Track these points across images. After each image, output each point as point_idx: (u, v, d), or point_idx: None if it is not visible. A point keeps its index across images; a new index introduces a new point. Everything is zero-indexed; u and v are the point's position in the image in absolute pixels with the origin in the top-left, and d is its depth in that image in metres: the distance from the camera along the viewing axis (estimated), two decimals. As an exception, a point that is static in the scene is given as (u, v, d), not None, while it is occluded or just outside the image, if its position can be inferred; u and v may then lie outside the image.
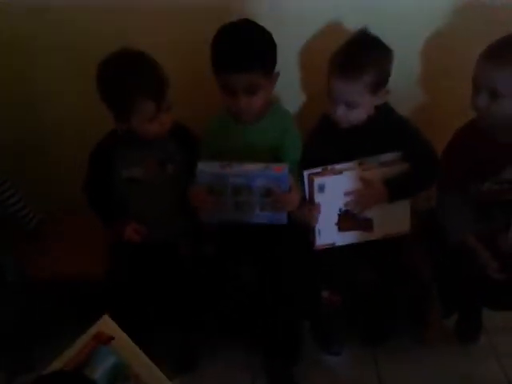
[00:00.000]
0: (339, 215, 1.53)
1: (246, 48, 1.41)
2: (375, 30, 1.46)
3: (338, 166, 1.49)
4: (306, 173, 1.48)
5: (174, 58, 1.57)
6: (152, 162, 1.56)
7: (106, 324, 1.16)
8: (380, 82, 1.44)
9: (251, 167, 1.41)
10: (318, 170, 1.48)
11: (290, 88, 1.71)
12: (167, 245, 1.61)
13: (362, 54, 1.42)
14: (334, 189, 1.48)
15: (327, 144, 1.51)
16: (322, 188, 1.47)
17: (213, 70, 1.46)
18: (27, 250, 1.73)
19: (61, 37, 1.67)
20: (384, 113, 1.52)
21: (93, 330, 1.15)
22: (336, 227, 1.54)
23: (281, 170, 1.39)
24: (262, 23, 1.46)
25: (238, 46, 1.41)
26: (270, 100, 1.55)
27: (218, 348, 1.74)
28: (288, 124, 1.58)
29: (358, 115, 1.47)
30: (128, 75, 1.41)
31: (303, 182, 1.49)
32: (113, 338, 1.14)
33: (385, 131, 1.50)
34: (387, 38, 1.46)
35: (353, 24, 1.53)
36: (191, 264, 1.56)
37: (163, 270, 1.58)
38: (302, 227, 1.54)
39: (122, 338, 1.15)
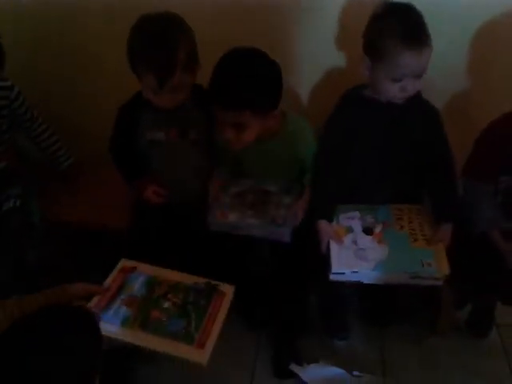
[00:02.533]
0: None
1: (238, 88, 1.33)
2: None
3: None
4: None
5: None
6: (174, 128, 1.56)
7: (126, 262, 1.42)
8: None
9: (256, 223, 1.47)
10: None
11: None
12: (188, 207, 1.61)
13: (418, 20, 1.32)
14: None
15: (355, 120, 1.45)
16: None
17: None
18: (56, 192, 1.81)
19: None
20: (418, 97, 1.44)
21: (117, 269, 1.39)
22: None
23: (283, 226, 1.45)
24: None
25: (229, 82, 1.34)
26: (277, 124, 1.48)
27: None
28: (302, 138, 1.51)
29: (418, 85, 1.36)
30: (142, 44, 1.39)
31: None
32: (135, 267, 1.40)
33: (414, 113, 1.43)
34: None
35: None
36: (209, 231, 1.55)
37: (182, 233, 1.61)
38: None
39: (142, 264, 1.40)
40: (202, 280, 1.37)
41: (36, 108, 1.78)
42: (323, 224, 1.45)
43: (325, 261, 1.43)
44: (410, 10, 1.34)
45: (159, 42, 1.37)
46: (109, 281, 1.35)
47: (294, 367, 1.62)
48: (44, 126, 1.80)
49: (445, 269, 1.37)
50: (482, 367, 1.66)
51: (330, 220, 1.48)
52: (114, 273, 1.38)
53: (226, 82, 1.34)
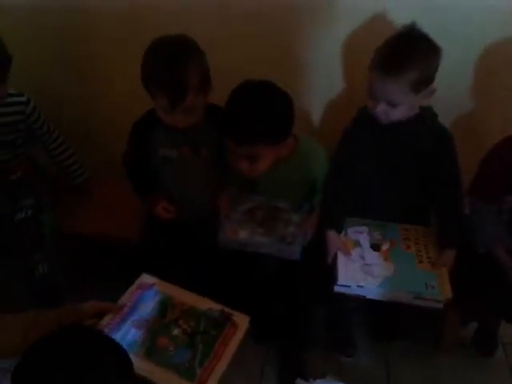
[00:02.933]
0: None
1: (250, 125, 1.35)
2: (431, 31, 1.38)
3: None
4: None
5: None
6: (186, 146, 1.59)
7: (146, 277, 1.38)
8: (424, 81, 1.35)
9: (265, 241, 1.50)
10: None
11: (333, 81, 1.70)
12: (197, 223, 1.64)
13: (405, 50, 1.34)
14: None
15: (363, 138, 1.49)
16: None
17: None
18: (70, 204, 1.85)
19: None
20: (427, 117, 1.46)
21: (136, 284, 1.37)
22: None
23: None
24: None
25: (241, 118, 1.36)
26: (290, 150, 1.50)
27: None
28: (314, 161, 1.53)
29: (399, 113, 1.39)
30: (155, 66, 1.42)
31: None
32: (153, 284, 1.36)
33: (425, 135, 1.45)
34: (441, 40, 1.39)
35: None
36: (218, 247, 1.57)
37: (190, 248, 1.64)
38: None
39: (160, 282, 1.37)
40: (216, 307, 1.31)
41: (51, 121, 1.81)
42: (332, 234, 1.48)
43: (331, 272, 1.46)
44: (412, 42, 1.35)
45: (172, 65, 1.39)
46: (124, 299, 1.32)
47: (299, 382, 1.63)
48: (60, 140, 1.83)
49: (447, 292, 1.39)
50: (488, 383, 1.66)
51: (339, 231, 1.50)
52: (132, 288, 1.35)
53: (238, 117, 1.37)
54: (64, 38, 1.79)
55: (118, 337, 1.20)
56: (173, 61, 1.40)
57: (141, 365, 1.16)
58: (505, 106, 1.65)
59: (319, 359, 1.73)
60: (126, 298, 1.32)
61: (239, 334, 1.26)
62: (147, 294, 1.33)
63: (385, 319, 1.79)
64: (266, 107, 1.37)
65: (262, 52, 1.63)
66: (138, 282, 1.36)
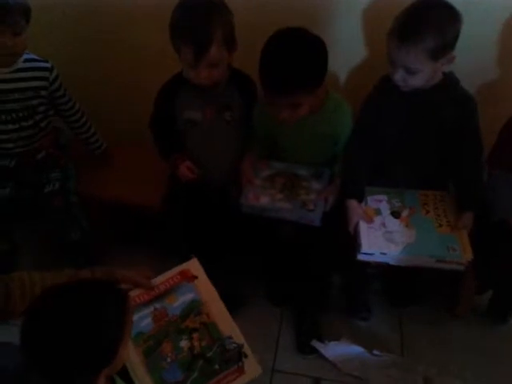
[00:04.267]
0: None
1: (290, 73, 1.36)
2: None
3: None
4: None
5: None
6: (210, 108, 1.62)
7: (194, 265, 1.28)
8: (441, 48, 1.33)
9: (287, 207, 1.52)
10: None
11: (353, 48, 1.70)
12: (220, 187, 1.68)
13: (421, 17, 1.32)
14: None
15: (385, 105, 1.49)
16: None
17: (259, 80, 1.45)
18: (92, 173, 1.89)
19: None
20: (450, 83, 1.46)
21: (181, 267, 1.28)
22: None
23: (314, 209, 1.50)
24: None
25: (282, 71, 1.37)
26: (323, 95, 1.53)
27: (250, 297, 1.84)
28: (341, 116, 1.56)
29: (418, 81, 1.39)
30: (182, 18, 1.44)
31: None
32: (196, 278, 1.26)
33: (448, 103, 1.45)
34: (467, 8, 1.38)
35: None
36: (239, 210, 1.59)
37: (214, 211, 1.67)
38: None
39: (203, 279, 1.26)
40: (238, 339, 1.19)
41: (73, 89, 1.82)
42: (354, 203, 1.50)
43: (352, 240, 1.48)
44: (430, 9, 1.34)
45: (198, 16, 1.43)
46: (160, 279, 1.25)
47: (315, 343, 1.68)
48: (80, 114, 1.85)
49: (468, 254, 1.42)
50: (500, 352, 1.69)
51: (360, 200, 1.52)
52: (173, 272, 1.27)
53: (278, 69, 1.38)
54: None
55: (133, 318, 1.13)
56: (199, 12, 1.43)
57: (133, 357, 1.12)
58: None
59: (335, 322, 1.77)
60: (162, 281, 1.25)
61: (241, 381, 1.15)
62: (183, 287, 1.24)
63: (401, 285, 1.82)
64: (302, 55, 1.38)
65: (285, 20, 1.62)
66: (183, 266, 1.28)
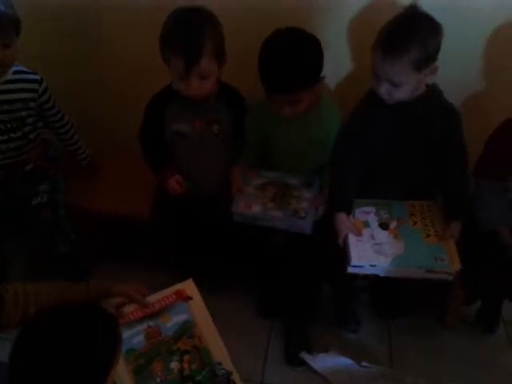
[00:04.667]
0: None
1: (290, 74, 1.41)
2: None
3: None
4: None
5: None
6: (199, 121, 1.63)
7: (189, 286, 1.28)
8: (425, 60, 1.35)
9: (278, 215, 1.53)
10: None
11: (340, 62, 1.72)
12: (209, 199, 1.69)
13: (404, 30, 1.35)
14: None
15: (372, 117, 1.51)
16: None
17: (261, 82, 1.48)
18: (79, 184, 1.88)
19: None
20: (433, 95, 1.48)
21: (176, 287, 1.28)
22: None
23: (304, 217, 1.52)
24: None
25: (282, 72, 1.41)
26: (317, 95, 1.56)
27: (238, 309, 1.85)
28: (332, 119, 1.59)
29: (403, 94, 1.40)
30: (173, 29, 1.47)
31: None
32: (191, 299, 1.26)
33: (432, 115, 1.47)
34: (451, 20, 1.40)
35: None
36: (229, 221, 1.60)
37: (203, 223, 1.68)
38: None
39: (198, 301, 1.27)
40: (227, 365, 1.20)
41: (59, 99, 1.81)
42: (342, 216, 1.51)
43: (342, 253, 1.49)
44: (413, 21, 1.36)
45: (189, 28, 1.45)
46: (155, 297, 1.25)
47: (304, 355, 1.68)
48: (69, 125, 1.85)
49: (456, 264, 1.43)
50: (489, 361, 1.70)
51: (349, 213, 1.53)
52: (169, 291, 1.27)
53: (278, 68, 1.41)
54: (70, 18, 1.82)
55: (126, 334, 1.15)
56: (190, 24, 1.45)
57: (122, 374, 1.12)
58: (510, 86, 1.67)
59: (323, 334, 1.77)
60: (157, 299, 1.25)
61: None
62: (177, 307, 1.25)
63: (389, 297, 1.82)
64: (301, 53, 1.42)
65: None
66: (179, 285, 1.28)
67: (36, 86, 1.72)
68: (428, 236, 1.49)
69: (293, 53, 1.42)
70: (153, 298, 1.24)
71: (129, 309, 1.21)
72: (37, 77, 1.72)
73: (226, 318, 1.71)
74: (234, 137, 1.66)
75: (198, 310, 1.25)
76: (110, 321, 1.01)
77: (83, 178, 1.92)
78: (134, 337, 1.18)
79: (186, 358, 1.18)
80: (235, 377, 1.18)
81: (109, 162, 1.98)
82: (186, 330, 1.22)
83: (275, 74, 1.43)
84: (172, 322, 1.22)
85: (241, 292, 1.88)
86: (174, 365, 1.17)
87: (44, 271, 1.75)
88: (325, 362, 1.67)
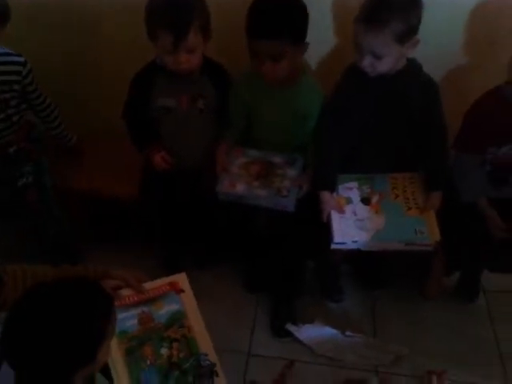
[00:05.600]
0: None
1: (276, 17, 1.44)
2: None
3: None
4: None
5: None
6: (184, 96, 1.63)
7: (182, 279, 1.33)
8: (406, 32, 1.37)
9: (262, 194, 1.55)
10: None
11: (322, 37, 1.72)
12: (193, 174, 1.71)
13: (387, 2, 1.37)
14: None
15: (354, 93, 1.52)
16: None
17: (245, 32, 1.49)
18: (65, 164, 1.90)
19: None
20: (413, 69, 1.50)
21: (171, 278, 1.32)
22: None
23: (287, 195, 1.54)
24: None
25: (268, 14, 1.45)
26: (300, 69, 1.58)
27: (225, 284, 1.89)
28: (314, 94, 1.60)
29: (385, 66, 1.42)
30: (160, 5, 1.47)
31: None
32: (183, 291, 1.30)
33: (412, 88, 1.49)
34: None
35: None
36: (214, 199, 1.61)
37: (188, 199, 1.70)
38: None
39: (189, 294, 1.31)
40: (212, 356, 1.23)
41: (44, 82, 1.80)
42: (326, 195, 1.54)
43: (325, 229, 1.52)
44: None
45: (176, 3, 1.47)
46: (150, 285, 1.29)
47: (290, 327, 1.72)
48: (50, 108, 1.84)
49: (436, 235, 1.47)
50: (468, 330, 1.76)
51: (332, 190, 1.56)
52: (163, 281, 1.31)
53: (266, 14, 1.45)
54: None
55: (120, 318, 1.17)
56: (177, 0, 1.47)
57: (115, 353, 1.16)
58: (487, 61, 1.69)
59: (308, 306, 1.82)
60: (152, 286, 1.29)
61: None
62: (170, 297, 1.29)
63: (371, 269, 1.87)
64: (287, 5, 1.47)
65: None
66: (174, 277, 1.33)
67: (20, 68, 1.70)
68: (409, 209, 1.53)
69: (281, 2, 1.47)
70: (148, 285, 1.29)
71: (126, 292, 1.25)
72: (21, 59, 1.70)
73: (213, 293, 1.80)
74: (219, 113, 1.67)
75: (188, 302, 1.29)
76: (105, 295, 1.03)
77: (68, 160, 1.92)
78: (128, 320, 1.23)
79: (175, 345, 1.23)
80: (218, 369, 1.22)
81: (94, 142, 1.98)
82: (177, 319, 1.26)
83: (262, 13, 1.46)
84: (164, 309, 1.26)
85: (227, 267, 1.92)
86: (164, 351, 1.21)
87: (34, 255, 1.74)
88: (310, 332, 1.72)
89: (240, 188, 1.57)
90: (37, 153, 1.83)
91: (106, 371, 1.14)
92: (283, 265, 1.74)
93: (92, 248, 1.87)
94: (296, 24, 1.48)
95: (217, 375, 1.21)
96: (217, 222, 1.74)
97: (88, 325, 0.96)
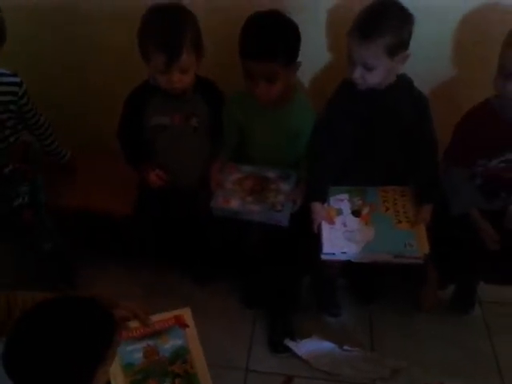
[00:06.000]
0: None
1: (269, 39, 1.47)
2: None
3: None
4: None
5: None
6: (178, 115, 1.66)
7: (187, 314, 1.34)
8: (397, 46, 1.42)
9: (256, 209, 1.57)
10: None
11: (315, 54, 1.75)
12: (188, 192, 1.72)
13: (379, 15, 1.42)
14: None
15: (346, 106, 1.55)
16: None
17: (239, 53, 1.52)
18: (60, 183, 1.91)
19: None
20: (403, 84, 1.54)
21: (176, 312, 1.34)
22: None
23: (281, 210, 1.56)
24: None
25: (262, 37, 1.47)
26: (292, 88, 1.61)
27: (222, 299, 1.89)
28: (307, 113, 1.63)
29: (375, 78, 1.45)
30: (153, 26, 1.50)
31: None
32: (188, 327, 1.32)
33: (404, 102, 1.52)
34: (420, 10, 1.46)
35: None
36: (209, 215, 1.63)
37: (183, 216, 1.71)
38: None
39: (193, 330, 1.32)
40: None
41: (38, 98, 1.81)
42: (317, 206, 1.56)
43: (317, 241, 1.53)
44: (387, 9, 1.43)
45: (169, 24, 1.49)
46: (156, 318, 1.31)
47: (288, 342, 1.72)
48: (45, 127, 1.85)
49: (425, 248, 1.49)
50: (465, 341, 1.76)
51: (324, 202, 1.58)
52: (169, 315, 1.33)
53: (260, 36, 1.48)
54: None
55: (126, 350, 1.23)
56: (169, 20, 1.50)
57: None
58: (477, 74, 1.71)
59: (305, 320, 1.82)
60: (158, 319, 1.31)
61: None
62: (175, 331, 1.31)
63: (366, 282, 1.89)
64: (280, 26, 1.51)
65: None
66: (179, 311, 1.34)
67: (16, 88, 1.71)
68: (399, 222, 1.55)
69: (273, 23, 1.50)
70: (154, 318, 1.31)
71: (133, 324, 1.28)
72: (17, 79, 1.71)
73: (210, 309, 1.80)
74: (213, 131, 1.70)
75: (192, 337, 1.31)
76: (108, 319, 1.03)
77: (63, 177, 1.94)
78: (133, 353, 1.25)
79: (177, 381, 1.25)
80: None
81: (88, 159, 1.98)
82: (181, 355, 1.28)
83: (256, 35, 1.48)
84: (169, 344, 1.29)
85: (224, 283, 1.92)
86: None
87: (31, 270, 1.80)
88: (308, 347, 1.72)
89: (234, 204, 1.58)
90: (32, 172, 1.84)
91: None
92: (278, 281, 1.75)
93: (86, 265, 1.89)
94: (290, 45, 1.50)
95: None
96: (211, 240, 1.75)
97: (85, 347, 0.96)
